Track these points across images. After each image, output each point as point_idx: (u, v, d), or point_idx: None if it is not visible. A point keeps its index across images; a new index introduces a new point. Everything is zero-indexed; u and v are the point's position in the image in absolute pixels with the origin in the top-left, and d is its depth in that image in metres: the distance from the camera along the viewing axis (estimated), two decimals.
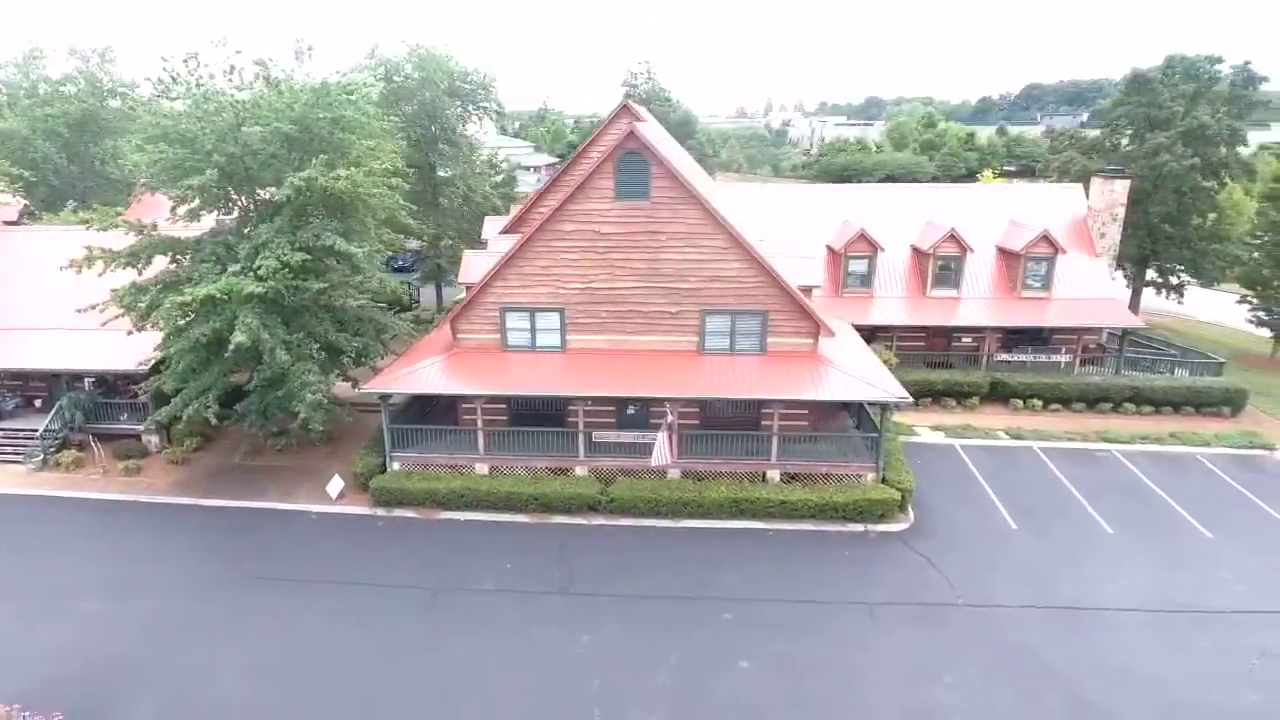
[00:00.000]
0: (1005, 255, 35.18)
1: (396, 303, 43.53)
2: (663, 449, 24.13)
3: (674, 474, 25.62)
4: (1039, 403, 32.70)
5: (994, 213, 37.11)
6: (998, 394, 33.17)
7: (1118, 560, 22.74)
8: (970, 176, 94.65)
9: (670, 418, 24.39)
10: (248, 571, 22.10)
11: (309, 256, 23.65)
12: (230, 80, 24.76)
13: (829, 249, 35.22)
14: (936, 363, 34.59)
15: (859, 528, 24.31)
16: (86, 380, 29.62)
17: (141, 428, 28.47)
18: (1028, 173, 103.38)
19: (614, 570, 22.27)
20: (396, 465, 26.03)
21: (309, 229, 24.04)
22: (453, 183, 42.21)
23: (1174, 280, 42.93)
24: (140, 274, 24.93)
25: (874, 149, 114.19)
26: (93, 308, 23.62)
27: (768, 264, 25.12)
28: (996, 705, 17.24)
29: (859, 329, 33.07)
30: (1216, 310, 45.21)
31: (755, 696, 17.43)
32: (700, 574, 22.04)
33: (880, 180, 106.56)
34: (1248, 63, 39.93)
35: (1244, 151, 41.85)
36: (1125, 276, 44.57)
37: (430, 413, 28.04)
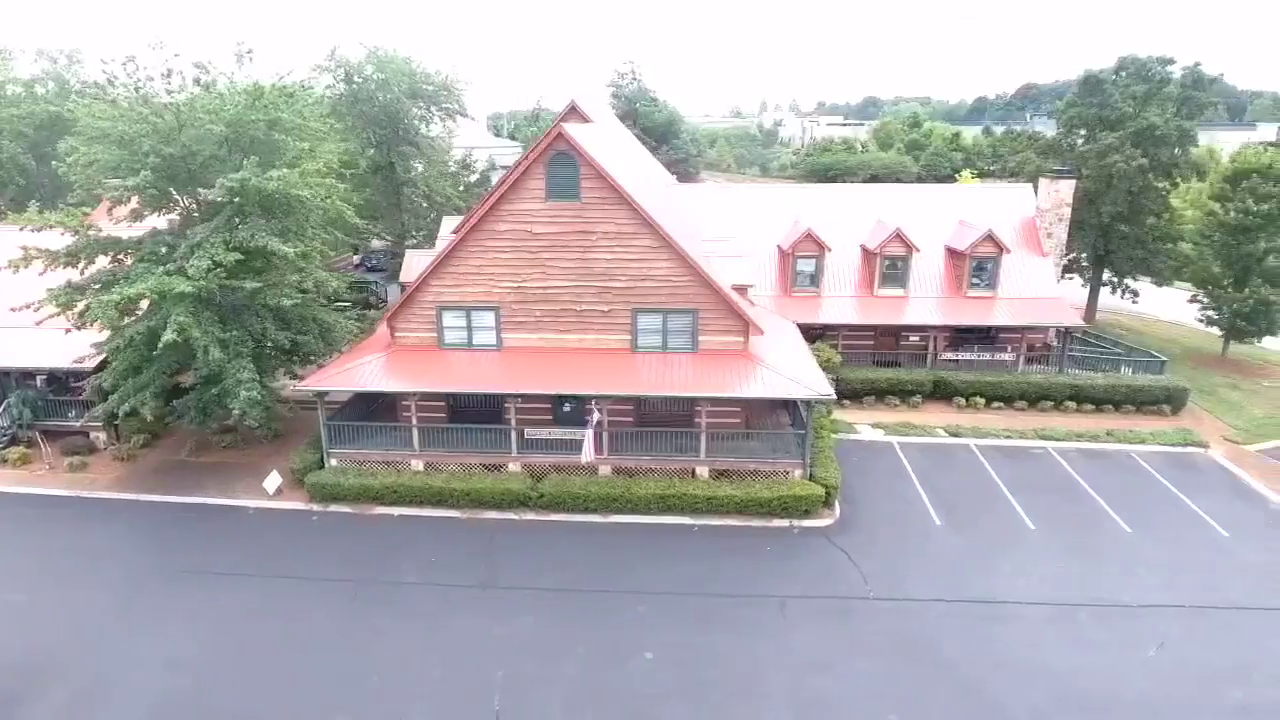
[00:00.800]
0: (952, 255, 35.56)
1: (363, 302, 44.10)
2: (588, 446, 24.56)
3: (605, 470, 26.04)
4: (982, 401, 33.08)
5: (944, 213, 37.47)
6: (941, 392, 33.56)
7: (1034, 555, 23.12)
8: (954, 176, 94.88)
9: (596, 415, 24.82)
10: (178, 565, 22.52)
11: (243, 256, 24.06)
12: (168, 82, 25.18)
13: (779, 249, 35.60)
14: (884, 361, 34.97)
15: (784, 523, 24.71)
16: (39, 378, 30.09)
17: (92, 425, 28.89)
18: (1013, 173, 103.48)
19: (537, 565, 22.68)
20: (334, 462, 26.47)
21: (244, 229, 24.44)
22: (414, 183, 42.64)
23: (1129, 280, 43.26)
24: (81, 273, 25.35)
25: (859, 149, 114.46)
26: (27, 306, 24.03)
27: (696, 264, 25.53)
28: (887, 694, 17.66)
29: (807, 328, 33.55)
30: (1177, 309, 45.44)
31: (652, 686, 17.84)
32: (621, 568, 22.45)
33: (865, 180, 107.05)
34: (1198, 64, 40.29)
35: (1196, 151, 42.14)
36: (1081, 276, 44.93)
37: (373, 411, 28.45)
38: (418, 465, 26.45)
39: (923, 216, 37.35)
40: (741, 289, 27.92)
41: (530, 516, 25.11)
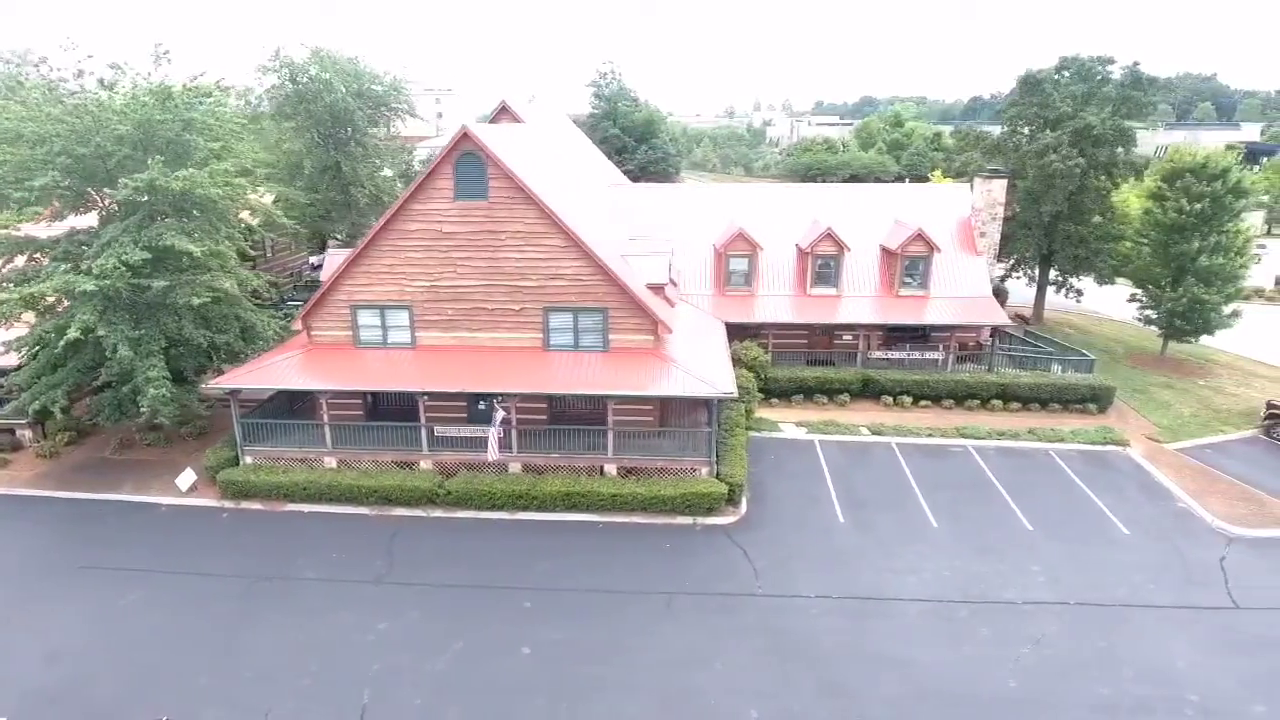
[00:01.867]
0: (886, 254, 35.72)
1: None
2: (493, 444, 24.78)
3: (516, 468, 26.26)
4: (909, 399, 33.24)
5: (881, 212, 37.64)
6: (870, 391, 33.72)
7: (932, 552, 23.29)
8: (928, 176, 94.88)
9: (501, 414, 25.03)
10: (78, 561, 22.78)
11: (149, 255, 24.29)
12: (80, 83, 25.42)
13: (714, 248, 35.77)
14: (818, 360, 35.12)
15: (688, 520, 24.91)
16: None
17: (17, 422, 29.16)
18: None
19: (435, 560, 22.91)
20: (249, 459, 26.70)
21: (154, 229, 24.67)
22: (360, 183, 42.85)
23: (1072, 279, 43.36)
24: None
25: (841, 149, 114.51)
26: None
27: (604, 263, 25.71)
28: (753, 689, 17.86)
29: (740, 327, 33.78)
30: (1125, 308, 45.58)
31: (521, 681, 18.05)
32: (517, 564, 22.65)
33: (844, 179, 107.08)
34: (1136, 63, 40.29)
35: (1140, 151, 42.17)
36: (1026, 275, 45.04)
37: (296, 409, 28.65)
38: (331, 463, 26.68)
39: (859, 216, 37.53)
40: (658, 288, 28.11)
41: (438, 514, 25.32)
